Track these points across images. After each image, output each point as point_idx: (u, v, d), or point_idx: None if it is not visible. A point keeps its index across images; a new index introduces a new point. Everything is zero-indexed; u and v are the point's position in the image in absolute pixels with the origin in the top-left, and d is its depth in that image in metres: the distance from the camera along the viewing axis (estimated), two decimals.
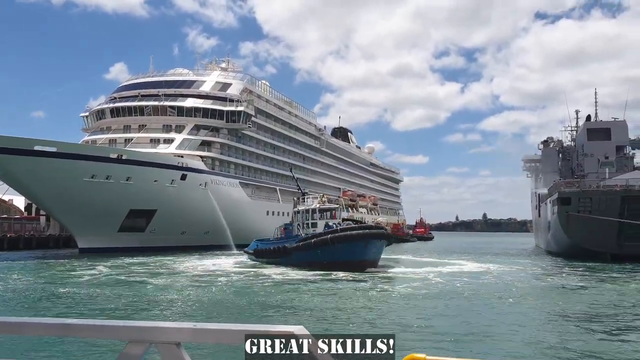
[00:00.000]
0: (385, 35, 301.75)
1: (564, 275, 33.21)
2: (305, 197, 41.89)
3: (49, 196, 46.62)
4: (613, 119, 63.29)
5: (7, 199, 67.45)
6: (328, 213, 38.32)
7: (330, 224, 36.27)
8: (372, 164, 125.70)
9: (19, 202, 71.11)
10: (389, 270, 34.59)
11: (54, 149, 44.67)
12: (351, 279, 29.40)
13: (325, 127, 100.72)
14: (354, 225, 35.94)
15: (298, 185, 48.35)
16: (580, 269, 36.45)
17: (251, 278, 29.84)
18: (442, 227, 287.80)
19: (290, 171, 61.17)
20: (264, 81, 79.61)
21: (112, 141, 59.04)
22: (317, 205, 38.43)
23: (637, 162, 61.70)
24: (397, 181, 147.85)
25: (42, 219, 64.25)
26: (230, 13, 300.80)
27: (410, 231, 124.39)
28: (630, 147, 62.15)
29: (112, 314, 18.36)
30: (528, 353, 13.42)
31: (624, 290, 25.82)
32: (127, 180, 49.17)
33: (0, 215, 64.42)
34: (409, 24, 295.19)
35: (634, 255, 42.07)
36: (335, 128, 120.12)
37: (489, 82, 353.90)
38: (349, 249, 32.99)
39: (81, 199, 46.59)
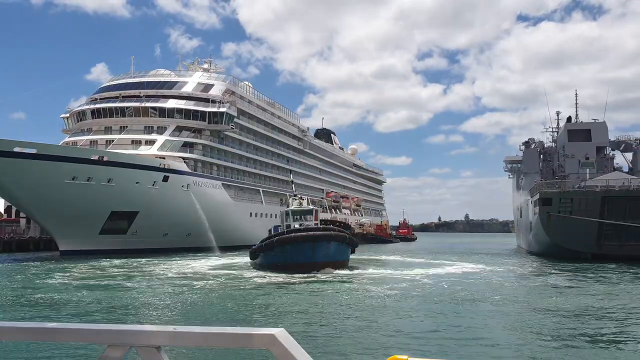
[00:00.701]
0: (368, 37, 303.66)
1: (546, 276, 33.48)
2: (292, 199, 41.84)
3: (29, 198, 45.94)
4: (593, 120, 64.11)
5: None
6: (308, 216, 38.10)
7: (297, 225, 35.96)
8: (355, 165, 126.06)
9: None
10: (346, 272, 33.38)
11: (34, 151, 44.08)
12: (309, 280, 29.34)
13: (308, 128, 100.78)
14: (306, 227, 35.24)
15: (293, 189, 48.43)
16: (563, 269, 36.76)
17: (228, 281, 29.62)
18: (424, 228, 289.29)
19: (290, 173, 61.11)
20: (246, 82, 79.46)
21: (93, 142, 58.35)
22: (292, 207, 38.49)
23: (617, 163, 62.64)
24: (380, 182, 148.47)
25: (22, 221, 63.34)
26: (213, 14, 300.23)
27: (394, 232, 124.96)
28: (610, 148, 63.00)
29: (91, 318, 18.07)
30: (511, 354, 13.46)
31: (603, 291, 26.11)
32: (108, 182, 48.65)
33: None
34: (391, 26, 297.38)
35: (614, 255, 42.68)
36: (318, 129, 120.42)
37: (471, 84, 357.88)
38: (296, 251, 32.81)
39: (62, 201, 45.99)
